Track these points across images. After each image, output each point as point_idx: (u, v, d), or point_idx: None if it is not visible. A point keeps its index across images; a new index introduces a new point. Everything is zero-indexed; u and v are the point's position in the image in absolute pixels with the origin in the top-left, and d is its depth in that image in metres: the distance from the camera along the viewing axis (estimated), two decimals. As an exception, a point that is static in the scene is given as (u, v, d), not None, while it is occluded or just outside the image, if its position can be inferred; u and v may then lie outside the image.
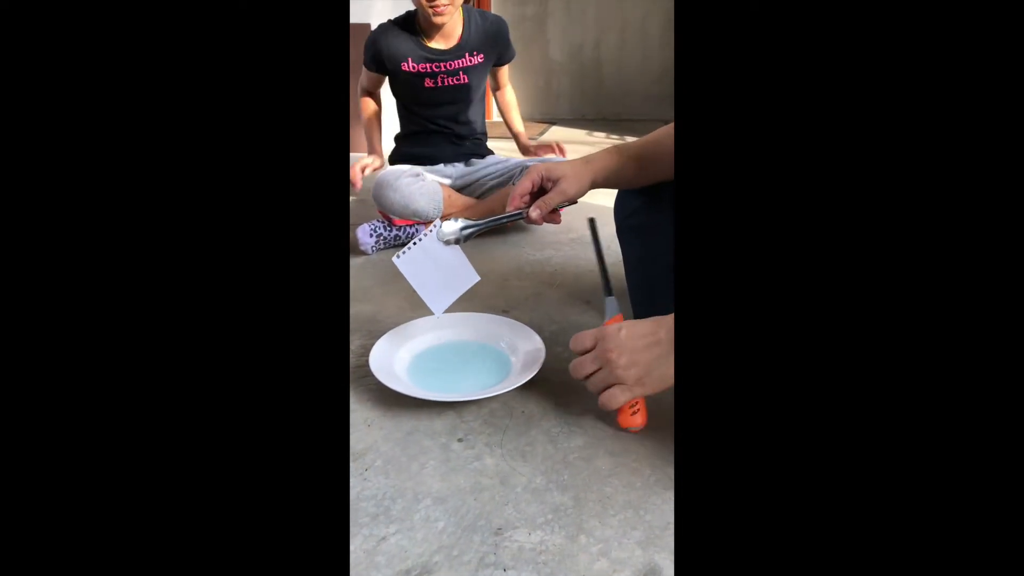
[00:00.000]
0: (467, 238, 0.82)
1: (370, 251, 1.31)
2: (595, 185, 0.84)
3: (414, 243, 0.82)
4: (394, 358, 0.79)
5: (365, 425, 0.69)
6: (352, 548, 0.51)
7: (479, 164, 1.52)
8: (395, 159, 1.55)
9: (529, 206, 0.79)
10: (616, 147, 0.86)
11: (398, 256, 0.82)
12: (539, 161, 1.35)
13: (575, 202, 0.85)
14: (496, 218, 0.84)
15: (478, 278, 0.82)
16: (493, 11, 3.60)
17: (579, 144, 2.84)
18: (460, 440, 0.66)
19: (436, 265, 0.82)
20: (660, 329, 0.61)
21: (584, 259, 1.24)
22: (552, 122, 3.58)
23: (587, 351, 0.64)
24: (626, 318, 0.69)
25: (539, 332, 0.90)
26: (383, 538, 0.52)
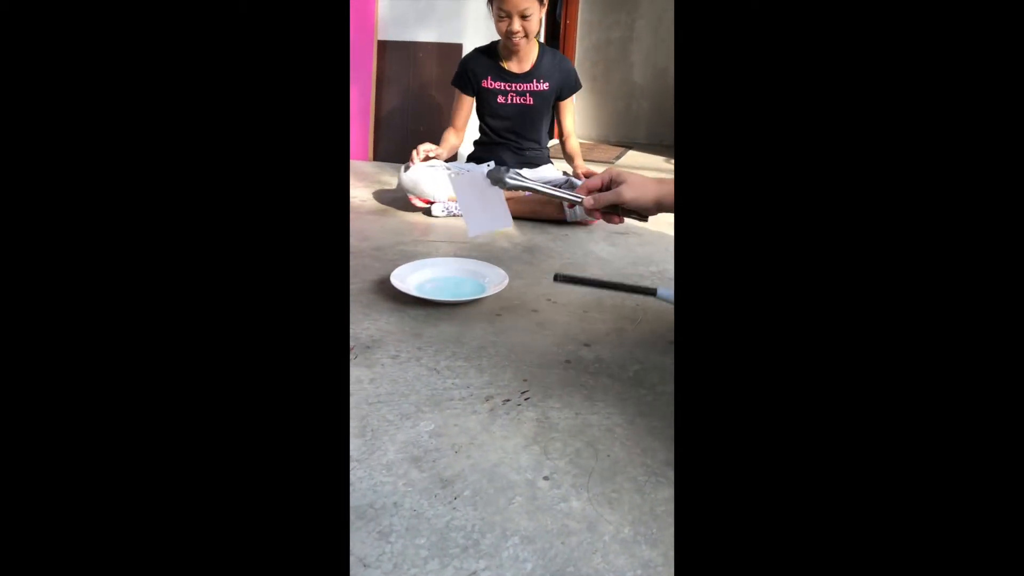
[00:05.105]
0: (511, 187, 0.94)
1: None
2: (660, 206, 0.88)
3: (468, 169, 0.97)
4: (406, 281, 1.17)
5: (453, 452, 0.70)
6: (443, 579, 0.53)
7: (534, 172, 1.87)
8: (468, 159, 1.98)
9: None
10: None
11: (452, 174, 1.00)
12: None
13: (645, 219, 0.90)
14: (553, 189, 0.93)
15: (511, 224, 1.00)
16: (580, 34, 3.65)
17: (655, 171, 2.82)
18: (546, 478, 0.66)
19: (480, 196, 0.97)
20: None
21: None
22: (629, 146, 3.57)
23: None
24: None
25: (622, 372, 0.90)
26: (473, 572, 0.53)
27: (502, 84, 1.81)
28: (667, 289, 0.72)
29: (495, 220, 0.99)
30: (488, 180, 0.94)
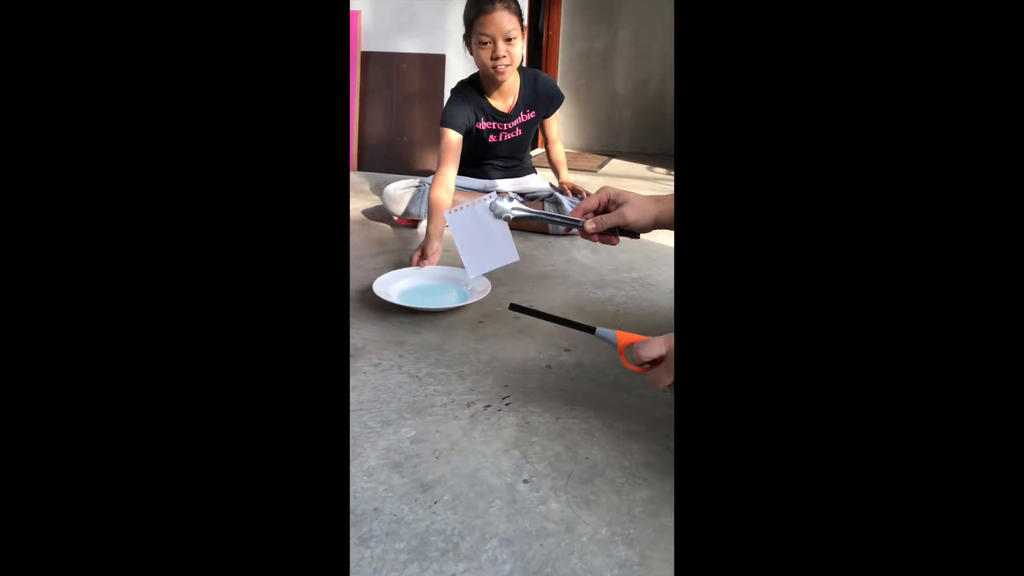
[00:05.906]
0: (516, 218, 0.89)
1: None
2: (659, 224, 0.88)
3: (467, 205, 0.89)
4: (389, 289, 1.18)
5: (434, 457, 0.71)
6: (422, 582, 0.53)
7: (520, 182, 1.87)
8: None
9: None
10: None
11: (450, 211, 0.89)
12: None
13: (637, 236, 0.89)
14: (552, 214, 0.90)
15: (517, 258, 0.90)
16: (562, 45, 3.68)
17: (638, 179, 2.85)
18: (525, 482, 0.67)
19: (482, 232, 0.88)
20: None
21: (647, 300, 1.25)
22: (612, 155, 3.60)
23: (658, 359, 0.63)
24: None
25: (602, 376, 0.91)
26: (452, 575, 0.54)
27: (495, 124, 1.72)
28: (605, 329, 0.74)
29: (499, 256, 0.89)
30: (491, 213, 0.87)
